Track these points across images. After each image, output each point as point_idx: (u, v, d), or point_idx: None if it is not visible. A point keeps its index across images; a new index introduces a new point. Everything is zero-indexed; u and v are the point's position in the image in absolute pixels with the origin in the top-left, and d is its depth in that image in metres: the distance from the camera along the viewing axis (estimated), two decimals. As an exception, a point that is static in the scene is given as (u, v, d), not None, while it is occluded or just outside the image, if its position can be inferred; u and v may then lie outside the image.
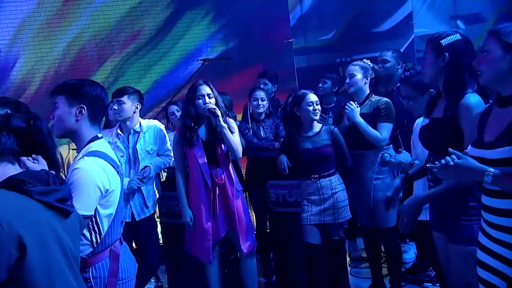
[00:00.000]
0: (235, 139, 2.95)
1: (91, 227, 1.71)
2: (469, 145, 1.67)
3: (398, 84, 3.21)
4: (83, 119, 1.76)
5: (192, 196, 2.97)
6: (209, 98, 2.92)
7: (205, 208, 2.91)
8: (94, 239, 1.72)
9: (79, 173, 1.66)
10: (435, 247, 2.12)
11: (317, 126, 3.09)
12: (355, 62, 3.20)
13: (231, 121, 3.01)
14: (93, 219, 1.71)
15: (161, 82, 5.80)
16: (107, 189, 1.70)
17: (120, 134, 3.18)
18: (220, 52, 5.72)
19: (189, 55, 5.77)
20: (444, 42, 1.92)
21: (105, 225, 1.73)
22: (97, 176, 1.68)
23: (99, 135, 1.82)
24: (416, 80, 2.39)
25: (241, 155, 3.02)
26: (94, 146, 1.76)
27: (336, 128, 3.05)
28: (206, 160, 2.93)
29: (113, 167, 1.76)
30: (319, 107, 3.04)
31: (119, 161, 1.89)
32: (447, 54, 1.91)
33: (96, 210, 1.70)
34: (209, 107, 2.87)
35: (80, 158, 1.71)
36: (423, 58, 2.03)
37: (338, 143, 3.03)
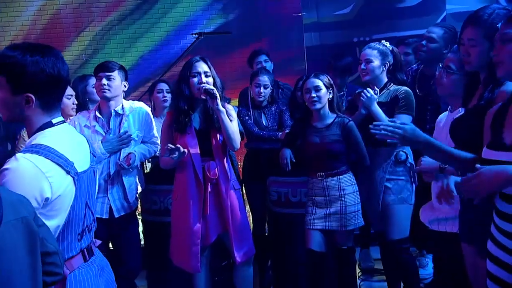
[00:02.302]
0: (234, 128, 2.93)
1: None
2: (484, 148, 1.67)
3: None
4: (33, 108, 1.57)
5: (180, 193, 2.96)
6: (206, 76, 2.89)
7: (195, 207, 2.89)
8: None
9: (8, 176, 1.45)
10: (456, 261, 2.13)
11: (329, 118, 3.07)
12: (372, 44, 3.16)
13: (229, 107, 2.98)
14: None
15: (148, 57, 5.77)
16: (47, 197, 1.49)
17: (99, 117, 3.17)
18: (218, 25, 5.68)
19: (182, 27, 5.73)
20: None
21: None
22: (31, 180, 1.46)
23: (55, 121, 1.62)
24: None
25: (239, 147, 3.01)
26: (40, 137, 1.56)
27: (350, 122, 3.02)
28: (199, 151, 2.92)
29: (60, 166, 1.53)
30: (320, 93, 2.97)
31: (93, 151, 1.77)
32: None
33: None
34: (206, 87, 2.84)
35: (14, 156, 1.51)
36: (468, 43, 1.96)
37: (352, 139, 3.00)
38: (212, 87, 2.85)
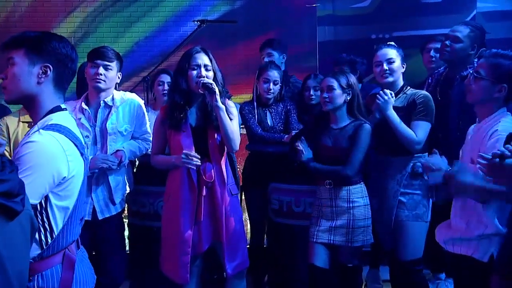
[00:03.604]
0: (234, 127, 2.94)
1: (41, 223, 1.68)
2: None
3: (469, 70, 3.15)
4: (47, 82, 1.76)
5: (171, 196, 2.96)
6: (206, 70, 2.90)
7: (187, 212, 2.90)
8: (43, 239, 1.69)
9: (32, 148, 1.64)
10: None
11: (346, 121, 3.05)
12: (386, 45, 3.19)
13: (230, 104, 2.99)
14: (44, 212, 1.69)
15: (143, 44, 5.79)
16: (64, 176, 1.69)
17: (85, 109, 3.16)
18: (223, 13, 5.71)
19: (183, 13, 5.75)
20: None
21: (59, 221, 1.72)
22: (54, 156, 1.66)
23: (63, 106, 1.81)
24: (502, 63, 2.33)
25: (238, 148, 3.01)
26: (55, 118, 1.75)
27: (366, 124, 2.99)
28: (194, 151, 2.91)
29: (77, 147, 1.75)
30: (333, 94, 2.96)
31: (85, 141, 1.89)
32: None
33: (48, 200, 1.69)
34: (204, 81, 2.84)
35: (35, 131, 1.69)
36: None
37: (354, 139, 2.95)
38: (211, 81, 2.86)
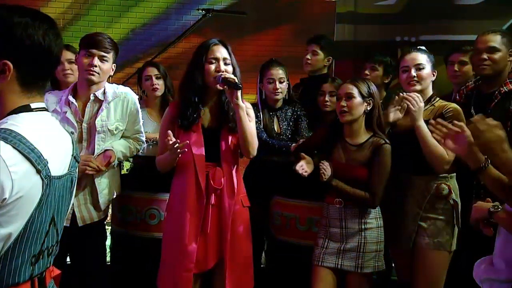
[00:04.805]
0: (252, 129, 2.91)
1: None
2: None
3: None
4: (8, 81, 1.54)
5: (175, 203, 2.92)
6: (225, 64, 2.87)
7: (193, 223, 2.85)
8: None
9: None
10: None
11: (363, 136, 3.01)
12: (415, 49, 3.16)
13: (247, 105, 2.94)
14: None
15: (140, 32, 5.79)
16: (4, 198, 1.44)
17: (72, 102, 3.11)
18: (230, 3, 5.69)
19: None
20: None
21: None
22: None
23: (34, 105, 1.60)
24: None
25: (255, 153, 2.96)
26: (11, 121, 1.52)
27: (386, 145, 2.94)
28: (204, 154, 2.88)
29: (30, 162, 1.49)
30: (352, 103, 2.92)
31: (76, 154, 1.72)
32: None
33: None
34: (226, 75, 2.79)
35: None
36: None
37: (375, 163, 2.92)
38: (233, 76, 2.81)
